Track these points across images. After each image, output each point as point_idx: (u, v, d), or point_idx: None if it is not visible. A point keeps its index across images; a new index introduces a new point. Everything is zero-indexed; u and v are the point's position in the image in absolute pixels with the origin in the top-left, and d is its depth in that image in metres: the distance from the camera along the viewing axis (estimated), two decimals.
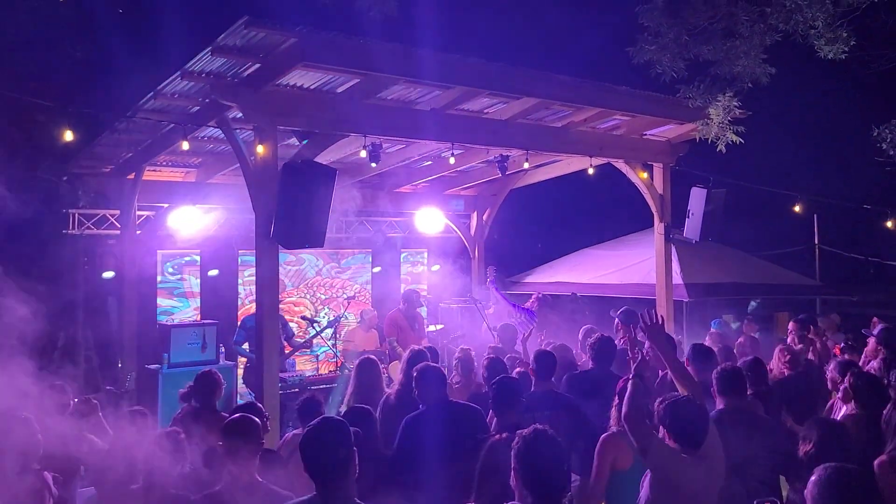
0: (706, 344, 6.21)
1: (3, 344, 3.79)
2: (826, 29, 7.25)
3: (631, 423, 3.67)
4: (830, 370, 5.61)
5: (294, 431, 5.39)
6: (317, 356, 9.45)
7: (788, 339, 7.56)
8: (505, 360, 6.06)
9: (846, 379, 4.83)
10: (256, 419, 3.72)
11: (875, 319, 7.62)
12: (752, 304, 11.75)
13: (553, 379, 5.43)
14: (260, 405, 5.01)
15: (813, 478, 2.92)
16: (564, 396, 5.36)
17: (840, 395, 4.97)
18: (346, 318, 9.32)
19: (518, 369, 5.74)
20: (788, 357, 6.33)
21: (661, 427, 3.73)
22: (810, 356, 7.07)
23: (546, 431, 3.13)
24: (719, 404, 4.48)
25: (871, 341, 6.86)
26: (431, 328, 10.46)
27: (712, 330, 9.25)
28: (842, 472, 2.91)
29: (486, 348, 6.94)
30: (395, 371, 7.07)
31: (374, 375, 5.60)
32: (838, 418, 4.79)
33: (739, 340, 8.78)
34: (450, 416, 4.48)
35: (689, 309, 11.06)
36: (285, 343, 8.79)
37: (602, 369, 5.56)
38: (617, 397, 4.55)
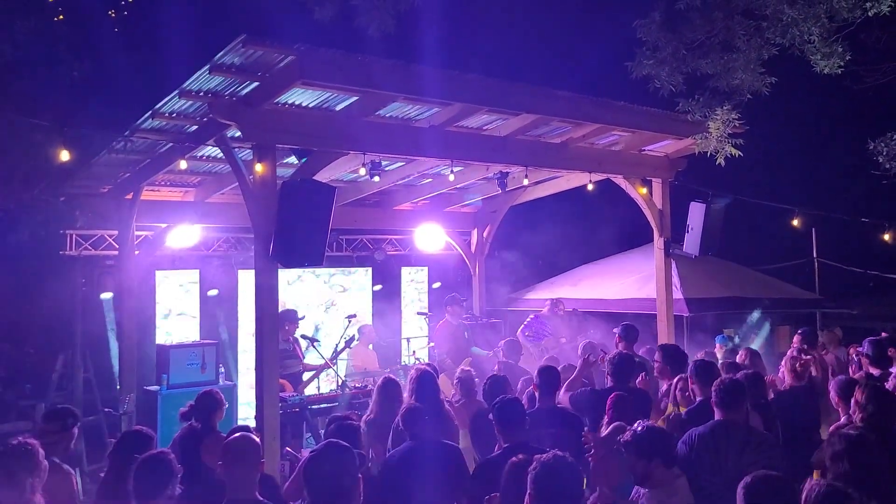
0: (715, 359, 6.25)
1: None
2: (822, 44, 7.27)
3: None
4: (831, 389, 5.50)
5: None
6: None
7: (791, 353, 7.51)
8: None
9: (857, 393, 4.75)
10: (256, 438, 3.68)
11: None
12: (755, 315, 11.64)
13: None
14: (251, 428, 4.95)
15: (740, 486, 3.05)
16: (569, 413, 5.33)
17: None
18: (348, 336, 9.27)
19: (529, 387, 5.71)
20: (797, 368, 6.25)
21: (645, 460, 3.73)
22: (813, 371, 7.02)
23: (565, 458, 3.09)
24: (717, 416, 4.48)
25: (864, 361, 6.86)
26: (432, 344, 10.42)
27: (717, 345, 9.21)
28: (766, 478, 3.03)
29: (496, 364, 6.92)
30: (446, 385, 7.03)
31: (396, 394, 5.55)
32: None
33: (740, 355, 8.75)
34: (430, 454, 4.45)
35: (689, 324, 11.02)
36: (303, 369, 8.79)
37: (621, 387, 5.53)
38: (608, 413, 4.55)
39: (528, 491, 2.99)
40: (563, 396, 5.70)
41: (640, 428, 3.79)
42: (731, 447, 4.25)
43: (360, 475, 2.94)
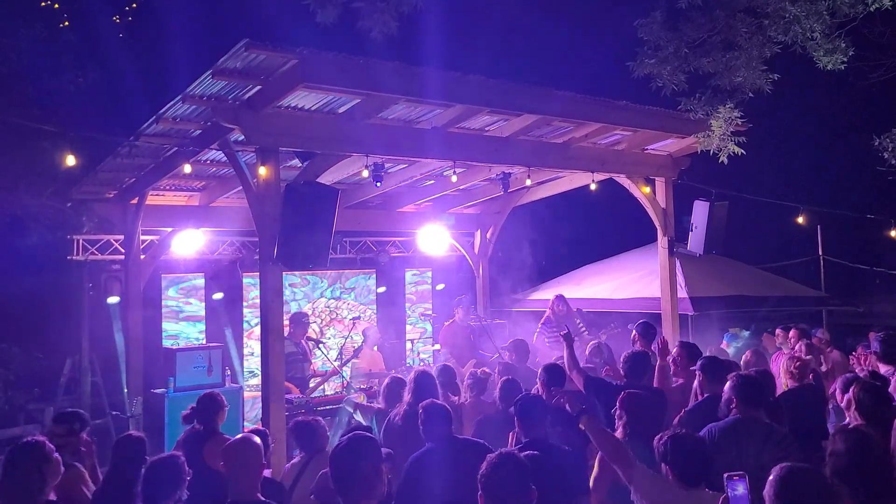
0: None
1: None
2: (824, 40, 7.25)
3: (612, 457, 3.89)
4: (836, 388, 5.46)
5: (293, 461, 5.33)
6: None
7: (792, 349, 7.50)
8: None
9: (850, 391, 4.74)
10: (258, 440, 3.69)
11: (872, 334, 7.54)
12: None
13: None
14: (266, 430, 4.97)
15: (770, 477, 2.96)
16: None
17: (843, 405, 4.90)
18: (352, 338, 9.30)
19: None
20: (797, 368, 6.23)
21: (662, 464, 3.77)
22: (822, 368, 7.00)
23: (512, 456, 3.12)
24: (737, 412, 4.48)
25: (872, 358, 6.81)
26: (436, 347, 10.43)
27: (724, 342, 9.19)
28: (798, 472, 2.95)
29: (497, 365, 6.92)
30: None
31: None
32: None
33: (746, 355, 8.73)
34: (456, 455, 4.38)
35: (694, 323, 11.01)
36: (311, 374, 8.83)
37: (634, 383, 5.54)
38: (618, 410, 4.57)
39: (479, 490, 2.99)
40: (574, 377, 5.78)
41: (666, 436, 3.83)
42: (753, 442, 4.27)
43: (382, 467, 2.97)
